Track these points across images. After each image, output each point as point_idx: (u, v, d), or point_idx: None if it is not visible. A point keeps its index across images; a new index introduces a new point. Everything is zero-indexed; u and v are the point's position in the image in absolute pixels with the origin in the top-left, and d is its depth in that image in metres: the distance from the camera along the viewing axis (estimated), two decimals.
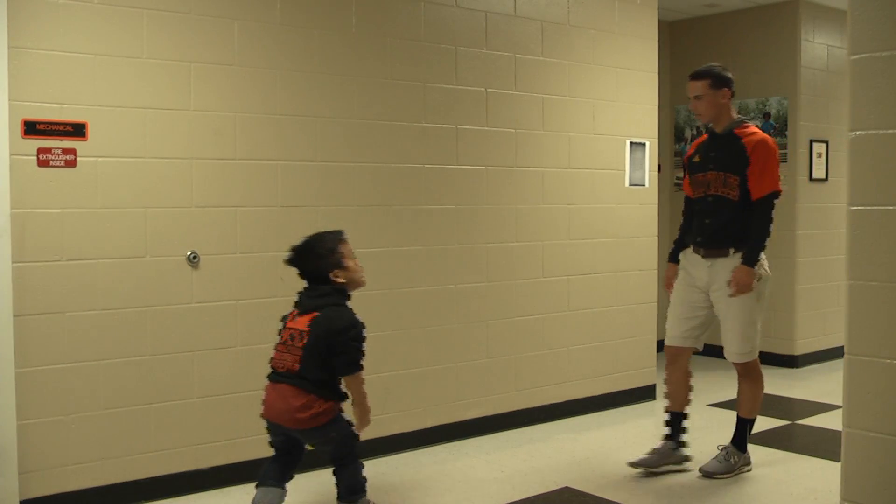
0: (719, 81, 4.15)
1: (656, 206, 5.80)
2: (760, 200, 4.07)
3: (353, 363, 3.28)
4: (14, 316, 3.50)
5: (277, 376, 3.31)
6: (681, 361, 4.36)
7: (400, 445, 4.56)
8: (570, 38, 5.25)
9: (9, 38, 3.45)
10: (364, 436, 4.41)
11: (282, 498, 3.41)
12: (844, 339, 2.37)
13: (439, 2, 4.65)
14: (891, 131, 2.26)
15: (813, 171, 6.89)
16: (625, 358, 5.60)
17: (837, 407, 5.34)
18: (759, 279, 4.04)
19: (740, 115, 4.26)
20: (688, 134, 7.42)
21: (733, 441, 4.27)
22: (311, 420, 3.24)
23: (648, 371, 5.77)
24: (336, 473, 3.41)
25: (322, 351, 3.24)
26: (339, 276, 3.35)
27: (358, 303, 4.39)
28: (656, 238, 5.82)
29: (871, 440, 2.31)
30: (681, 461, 4.28)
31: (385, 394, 4.51)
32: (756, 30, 6.95)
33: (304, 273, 3.40)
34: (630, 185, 5.58)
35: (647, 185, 5.69)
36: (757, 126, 4.23)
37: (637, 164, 5.62)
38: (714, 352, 7.27)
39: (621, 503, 3.83)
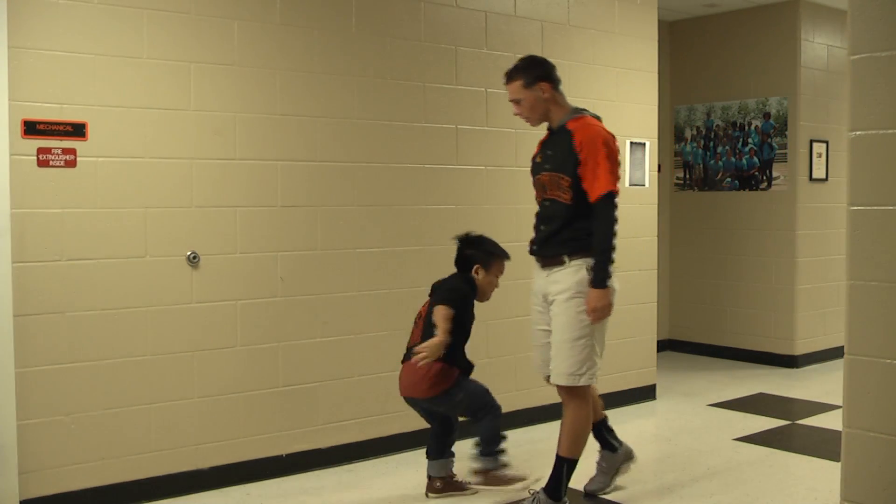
0: (531, 77, 3.61)
1: (656, 206, 5.80)
2: (596, 204, 3.45)
3: (444, 299, 3.66)
4: (14, 316, 3.50)
5: (406, 354, 3.75)
6: None
7: (400, 445, 4.56)
8: (570, 38, 5.25)
9: (9, 38, 3.45)
10: (364, 435, 4.44)
11: (447, 467, 3.89)
12: (844, 339, 2.37)
13: (439, 2, 4.65)
14: (891, 131, 2.26)
15: (813, 171, 6.89)
16: (625, 358, 5.60)
17: (837, 407, 5.34)
18: None
19: (575, 106, 3.70)
20: (688, 134, 7.43)
21: (546, 487, 3.60)
22: (431, 388, 3.64)
23: (648, 371, 5.77)
24: (474, 429, 3.77)
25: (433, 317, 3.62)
26: (477, 273, 3.78)
27: (358, 302, 4.41)
28: (656, 238, 5.82)
29: (871, 440, 2.31)
30: (627, 458, 3.97)
31: (385, 394, 4.51)
32: (756, 30, 6.95)
33: (458, 255, 3.84)
34: (630, 185, 5.58)
35: (647, 185, 5.69)
36: (592, 116, 3.67)
37: (637, 164, 5.62)
38: (714, 351, 7.29)
39: (621, 503, 3.83)
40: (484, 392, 3.79)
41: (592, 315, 3.49)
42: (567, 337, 3.50)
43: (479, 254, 3.82)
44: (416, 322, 3.84)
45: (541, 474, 4.20)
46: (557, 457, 3.61)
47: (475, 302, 3.84)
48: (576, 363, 3.53)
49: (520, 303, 5.00)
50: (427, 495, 3.89)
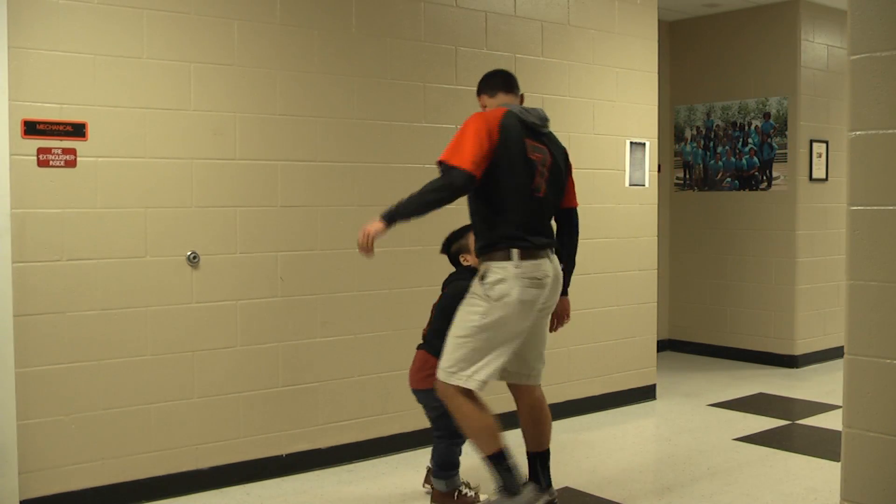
0: (477, 94, 3.68)
1: (656, 206, 5.80)
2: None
3: (457, 291, 3.71)
4: (14, 316, 3.50)
5: (418, 346, 3.87)
6: (521, 398, 3.65)
7: (400, 445, 4.56)
8: (570, 38, 5.25)
9: (9, 38, 3.45)
10: (364, 435, 4.44)
11: (453, 483, 3.84)
12: (844, 339, 2.37)
13: (439, 2, 4.65)
14: (891, 131, 2.26)
15: (813, 171, 6.89)
16: (625, 358, 5.60)
17: (837, 407, 5.34)
18: (488, 297, 3.28)
19: (510, 104, 3.50)
20: (688, 134, 7.43)
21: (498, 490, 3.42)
22: (423, 380, 3.71)
23: (648, 371, 5.77)
24: (433, 446, 3.80)
25: (444, 314, 3.61)
26: (466, 260, 3.85)
27: (358, 302, 4.41)
28: (656, 238, 5.82)
29: (871, 440, 2.31)
30: (538, 499, 3.55)
31: (385, 394, 4.51)
32: (756, 30, 6.95)
33: (449, 258, 3.95)
34: (630, 185, 5.59)
35: (647, 185, 5.69)
36: (511, 108, 3.44)
37: (637, 164, 5.62)
38: (714, 351, 7.29)
39: (621, 503, 3.83)
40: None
41: (360, 233, 3.27)
42: (453, 332, 3.38)
43: (457, 245, 3.85)
44: (432, 311, 3.89)
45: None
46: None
47: None
48: (450, 360, 3.34)
49: None
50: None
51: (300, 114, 4.19)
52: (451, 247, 3.92)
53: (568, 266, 3.58)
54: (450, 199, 3.28)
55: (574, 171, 4.97)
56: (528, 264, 3.29)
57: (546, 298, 3.39)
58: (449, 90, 4.70)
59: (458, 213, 4.74)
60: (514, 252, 3.28)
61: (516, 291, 3.26)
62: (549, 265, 3.38)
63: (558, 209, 3.61)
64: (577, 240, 3.66)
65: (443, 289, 3.89)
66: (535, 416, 3.62)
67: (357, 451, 4.41)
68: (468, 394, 3.36)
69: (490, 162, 3.27)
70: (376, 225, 3.25)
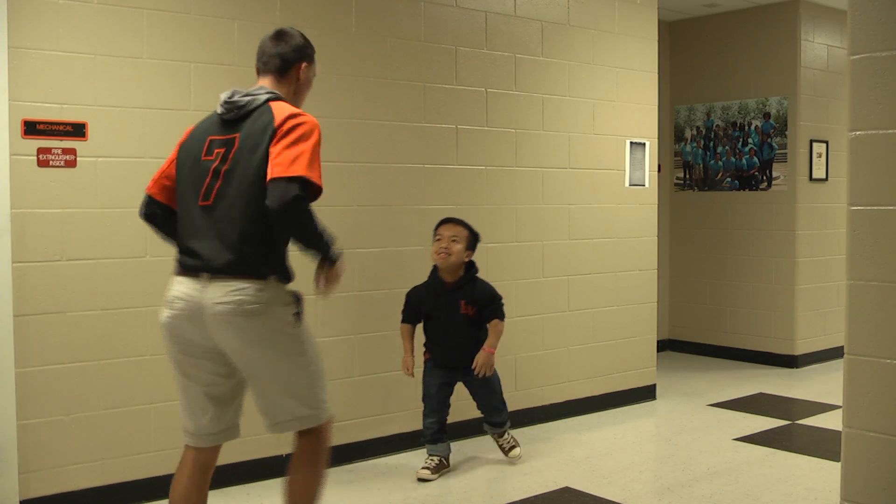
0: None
1: (656, 206, 5.80)
2: None
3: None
4: (14, 316, 3.50)
5: None
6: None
7: (400, 445, 4.56)
8: (570, 38, 5.25)
9: (9, 38, 3.45)
10: (364, 435, 4.43)
11: (444, 451, 4.26)
12: (844, 339, 2.37)
13: (439, 2, 4.65)
14: (891, 131, 2.26)
15: (813, 171, 6.89)
16: (625, 358, 5.60)
17: (837, 407, 5.34)
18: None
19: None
20: (688, 134, 7.43)
21: None
22: None
23: (648, 371, 5.77)
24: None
25: None
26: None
27: (358, 303, 4.40)
28: (656, 238, 5.82)
29: (871, 440, 2.31)
30: None
31: (385, 394, 4.51)
32: (756, 30, 6.95)
33: None
34: (630, 185, 5.59)
35: (647, 185, 5.69)
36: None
37: (637, 164, 5.62)
38: (714, 351, 7.30)
39: (621, 503, 3.83)
40: (424, 392, 4.26)
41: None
42: None
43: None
44: None
45: (540, 472, 4.21)
46: None
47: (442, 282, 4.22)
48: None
49: (519, 303, 5.01)
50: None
51: None
52: None
53: (314, 250, 2.77)
54: None
55: (573, 171, 4.99)
56: (174, 283, 2.77)
57: (185, 330, 2.72)
58: (449, 90, 4.70)
59: (457, 212, 4.75)
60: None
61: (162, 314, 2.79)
62: (190, 288, 2.68)
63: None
64: (290, 220, 2.59)
65: None
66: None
67: (357, 451, 4.41)
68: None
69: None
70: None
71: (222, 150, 2.72)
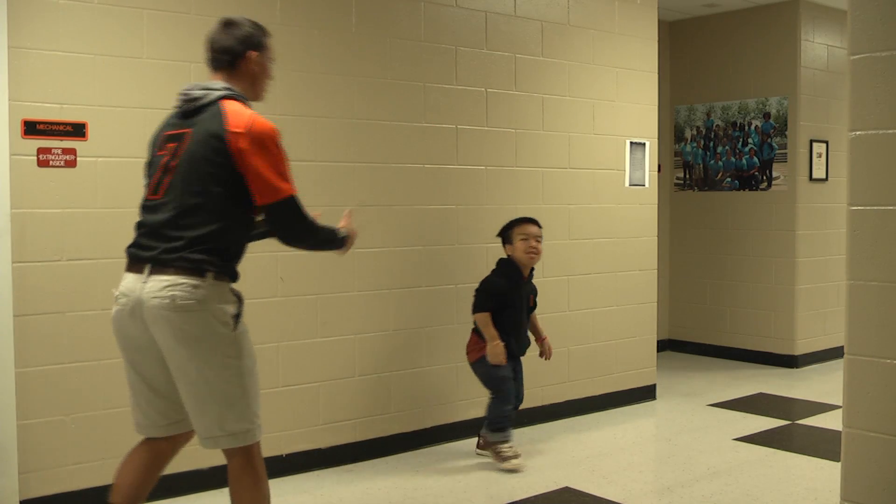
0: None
1: (656, 206, 5.80)
2: None
3: (473, 306, 4.40)
4: (14, 316, 3.50)
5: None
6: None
7: (400, 445, 4.55)
8: (570, 38, 5.25)
9: (9, 38, 3.45)
10: (364, 435, 4.43)
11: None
12: (844, 339, 2.37)
13: (439, 2, 4.65)
14: (891, 131, 2.26)
15: (813, 171, 6.89)
16: (625, 358, 5.60)
17: (837, 407, 5.34)
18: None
19: None
20: (688, 134, 7.43)
21: None
22: (469, 354, 4.45)
23: (648, 371, 5.77)
24: (487, 405, 4.42)
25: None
26: (507, 251, 4.45)
27: (358, 303, 4.40)
28: (656, 238, 5.82)
29: (871, 440, 2.31)
30: None
31: (385, 394, 4.51)
32: (756, 30, 6.95)
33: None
34: (630, 185, 5.58)
35: (647, 185, 5.69)
36: None
37: (637, 164, 5.62)
38: (714, 351, 7.29)
39: (621, 503, 3.83)
40: (500, 379, 4.33)
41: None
42: None
43: (502, 236, 4.47)
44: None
45: (540, 472, 4.21)
46: None
47: (523, 276, 4.44)
48: None
49: None
50: (476, 450, 4.51)
51: (300, 114, 4.19)
52: (501, 235, 4.49)
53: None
54: None
55: (573, 171, 4.95)
56: (122, 278, 2.74)
57: (128, 326, 2.70)
58: (449, 90, 4.70)
59: (457, 212, 4.75)
60: None
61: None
62: (132, 282, 2.65)
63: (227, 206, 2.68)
64: (299, 236, 2.83)
65: None
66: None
67: (357, 451, 4.41)
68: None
69: None
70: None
71: (174, 145, 2.70)
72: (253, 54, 2.85)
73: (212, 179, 2.62)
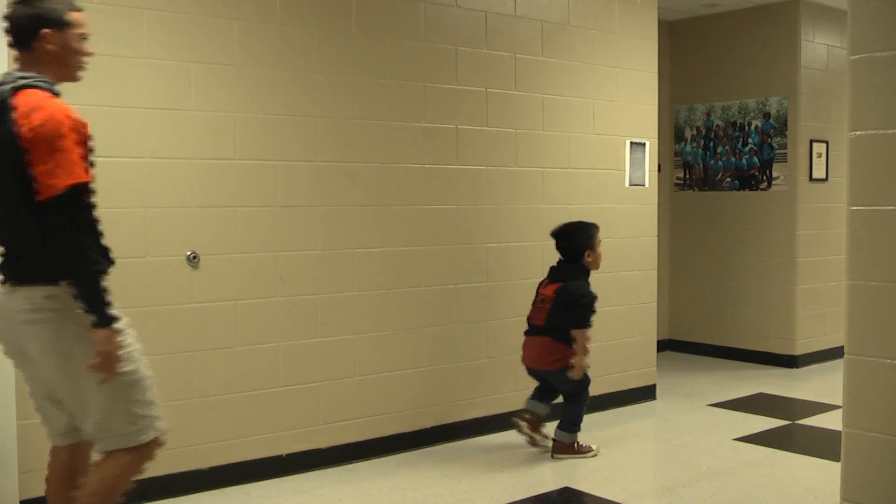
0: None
1: (656, 206, 5.80)
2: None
3: (581, 320, 4.39)
4: None
5: (530, 330, 4.53)
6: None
7: (400, 445, 4.56)
8: (570, 38, 5.25)
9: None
10: (364, 435, 4.44)
11: (546, 410, 4.56)
12: (844, 339, 2.37)
13: (439, 2, 4.65)
14: (891, 131, 2.26)
15: (813, 171, 6.89)
16: (625, 358, 5.60)
17: (837, 407, 5.34)
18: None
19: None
20: (688, 134, 7.43)
21: None
22: (552, 363, 4.44)
23: (648, 371, 5.77)
24: (563, 407, 4.52)
25: (562, 311, 4.39)
26: (588, 257, 4.49)
27: (358, 302, 4.41)
28: (656, 238, 5.82)
29: (871, 440, 2.32)
30: None
31: (385, 394, 4.51)
32: (756, 30, 6.95)
33: (562, 249, 4.52)
34: (630, 185, 5.58)
35: (647, 185, 5.69)
36: None
37: (637, 164, 5.62)
38: (714, 351, 7.29)
39: (621, 503, 3.83)
40: (585, 384, 4.47)
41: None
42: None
43: (581, 242, 4.48)
44: (536, 302, 4.55)
45: (540, 472, 4.21)
46: None
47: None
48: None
49: (520, 303, 5.00)
50: (515, 421, 4.59)
51: (300, 114, 4.19)
52: (569, 243, 4.47)
53: (74, 288, 2.54)
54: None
55: (573, 171, 4.95)
56: None
57: (5, 336, 2.64)
58: (449, 90, 4.70)
59: (457, 212, 4.75)
60: None
61: None
62: (2, 296, 2.59)
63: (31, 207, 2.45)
64: (66, 246, 2.51)
65: (550, 277, 4.51)
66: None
67: (357, 451, 4.41)
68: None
69: None
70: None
71: None
72: (47, 32, 2.46)
73: (27, 190, 2.40)
